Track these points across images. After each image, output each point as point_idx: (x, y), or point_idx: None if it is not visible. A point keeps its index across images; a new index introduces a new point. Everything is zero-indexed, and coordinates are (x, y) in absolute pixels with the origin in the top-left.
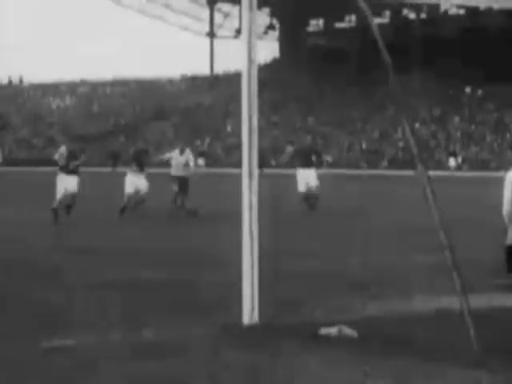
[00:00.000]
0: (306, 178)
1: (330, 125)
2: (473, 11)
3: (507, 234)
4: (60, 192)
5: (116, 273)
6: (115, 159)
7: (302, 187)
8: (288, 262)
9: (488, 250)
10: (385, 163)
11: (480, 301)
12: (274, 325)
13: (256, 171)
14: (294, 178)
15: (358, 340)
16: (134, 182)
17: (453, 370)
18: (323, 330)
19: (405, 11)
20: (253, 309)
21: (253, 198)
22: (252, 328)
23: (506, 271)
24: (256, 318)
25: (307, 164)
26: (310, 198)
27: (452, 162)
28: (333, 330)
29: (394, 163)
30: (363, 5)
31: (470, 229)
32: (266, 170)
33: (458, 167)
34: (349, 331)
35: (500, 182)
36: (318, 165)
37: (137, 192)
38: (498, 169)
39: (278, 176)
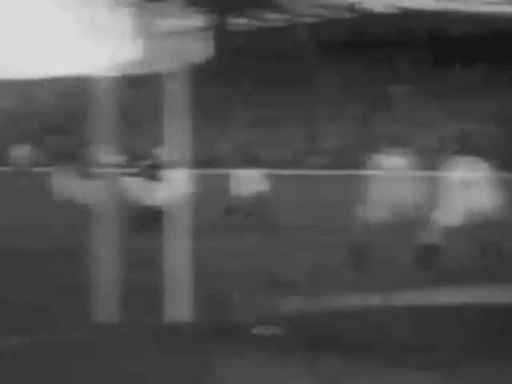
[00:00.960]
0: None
1: (253, 125)
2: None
3: (425, 233)
4: None
5: None
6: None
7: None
8: (218, 261)
9: (408, 248)
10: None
11: (401, 298)
12: (205, 324)
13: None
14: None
15: (284, 338)
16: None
17: (376, 369)
18: (256, 329)
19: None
20: (185, 308)
21: (188, 198)
22: (184, 327)
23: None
24: (188, 317)
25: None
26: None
27: (387, 161)
28: (261, 329)
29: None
30: (288, 4)
31: (398, 229)
32: (207, 170)
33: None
34: (276, 330)
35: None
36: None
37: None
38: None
39: (216, 176)
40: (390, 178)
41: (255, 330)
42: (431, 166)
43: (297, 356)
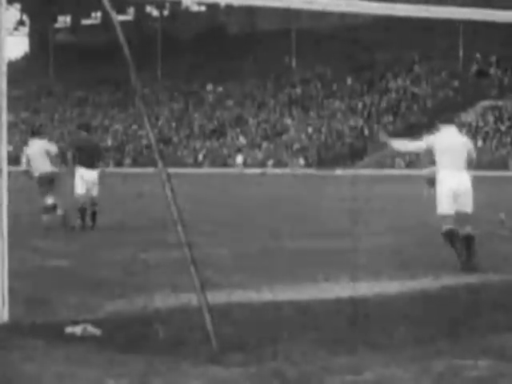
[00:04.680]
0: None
1: (76, 122)
2: (213, 8)
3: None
4: None
5: None
6: None
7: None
8: (36, 259)
9: (226, 245)
10: (128, 161)
11: (219, 297)
12: (23, 324)
13: (6, 168)
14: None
15: (101, 338)
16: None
17: (190, 367)
18: (69, 329)
19: (148, 8)
20: (3, 308)
21: (3, 195)
22: (1, 327)
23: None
24: (5, 317)
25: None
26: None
27: (239, 159)
28: (77, 329)
29: (137, 161)
30: (105, 1)
31: (213, 224)
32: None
33: (245, 164)
34: (93, 330)
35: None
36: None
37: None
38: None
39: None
40: None
41: (68, 330)
42: None
43: (108, 356)
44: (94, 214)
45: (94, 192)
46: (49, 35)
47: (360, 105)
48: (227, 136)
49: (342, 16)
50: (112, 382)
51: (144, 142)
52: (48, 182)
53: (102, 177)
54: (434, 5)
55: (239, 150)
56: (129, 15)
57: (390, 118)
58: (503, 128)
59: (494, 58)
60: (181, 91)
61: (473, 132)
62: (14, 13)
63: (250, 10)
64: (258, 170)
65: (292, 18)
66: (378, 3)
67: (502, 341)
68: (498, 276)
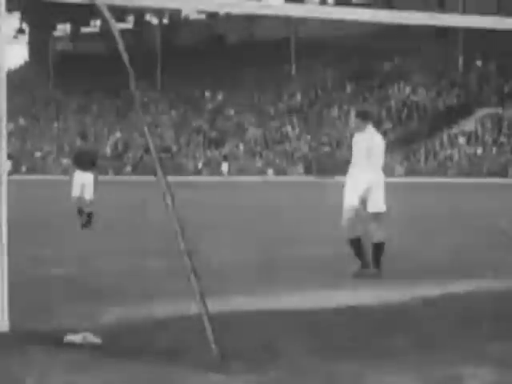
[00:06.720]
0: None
1: (75, 130)
2: (212, 17)
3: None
4: None
5: None
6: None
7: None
8: (34, 267)
9: (229, 254)
10: (128, 169)
11: (220, 304)
12: (23, 332)
13: (5, 176)
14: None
15: (101, 347)
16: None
17: (191, 375)
18: (68, 338)
19: (148, 17)
20: (2, 316)
21: (2, 203)
22: (1, 336)
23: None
24: (5, 325)
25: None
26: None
27: (225, 167)
28: (77, 338)
29: (137, 168)
30: (104, 9)
31: (214, 233)
32: (15, 177)
33: (229, 172)
34: (93, 338)
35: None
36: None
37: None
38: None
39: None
40: None
41: (68, 338)
42: None
43: (108, 364)
44: (89, 216)
45: (88, 194)
46: (48, 43)
47: None
48: (226, 144)
49: (342, 24)
50: None
51: (143, 149)
52: None
53: (96, 181)
54: (436, 12)
55: (225, 158)
56: (128, 23)
57: (390, 126)
58: (503, 136)
59: (493, 66)
60: (180, 99)
61: (472, 140)
62: (13, 21)
63: (250, 19)
64: (243, 178)
65: (291, 26)
66: (379, 11)
67: (502, 348)
68: (498, 283)
